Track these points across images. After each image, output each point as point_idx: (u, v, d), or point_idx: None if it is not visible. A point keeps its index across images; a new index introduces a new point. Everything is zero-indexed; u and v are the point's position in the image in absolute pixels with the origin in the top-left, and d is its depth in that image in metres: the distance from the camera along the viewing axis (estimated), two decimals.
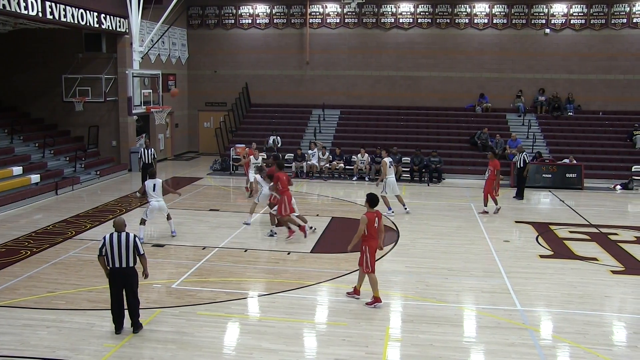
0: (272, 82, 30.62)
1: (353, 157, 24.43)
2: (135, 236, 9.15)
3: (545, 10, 28.64)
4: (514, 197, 20.76)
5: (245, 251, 13.77)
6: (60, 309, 10.11)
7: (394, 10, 29.47)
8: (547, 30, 28.58)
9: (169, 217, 15.01)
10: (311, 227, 15.31)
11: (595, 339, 9.27)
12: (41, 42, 24.55)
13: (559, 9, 28.56)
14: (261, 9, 30.31)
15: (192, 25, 30.90)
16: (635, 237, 15.61)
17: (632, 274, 12.54)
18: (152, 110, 24.76)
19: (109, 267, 9.07)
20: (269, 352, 8.65)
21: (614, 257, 13.72)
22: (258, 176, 16.27)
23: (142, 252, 9.14)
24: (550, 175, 23.16)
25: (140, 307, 9.33)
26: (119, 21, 23.95)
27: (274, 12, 30.25)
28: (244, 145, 25.36)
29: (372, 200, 10.60)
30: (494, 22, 28.96)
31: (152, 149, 20.63)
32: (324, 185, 23.01)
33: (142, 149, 20.46)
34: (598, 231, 16.15)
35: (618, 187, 22.88)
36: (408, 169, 24.21)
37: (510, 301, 10.87)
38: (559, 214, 18.56)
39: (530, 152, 25.00)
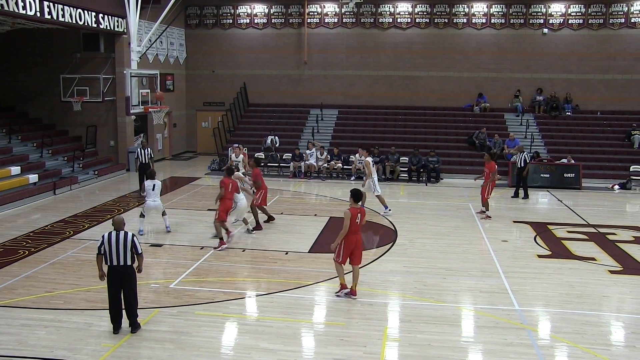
0: (270, 82, 30.61)
1: (351, 157, 24.42)
2: (133, 235, 9.15)
3: (544, 10, 28.66)
4: (512, 196, 20.77)
5: (244, 251, 13.77)
6: (58, 309, 10.10)
7: (392, 10, 29.47)
8: (545, 30, 28.60)
9: (163, 213, 15.19)
10: (251, 230, 15.21)
11: (593, 339, 9.28)
12: (39, 42, 24.52)
13: (557, 8, 28.58)
14: (259, 8, 30.30)
15: (190, 25, 30.88)
16: (634, 237, 15.63)
17: (631, 274, 12.55)
18: (150, 110, 24.73)
19: (107, 265, 9.06)
20: (267, 352, 8.65)
21: (612, 257, 13.73)
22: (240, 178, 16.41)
23: (140, 251, 9.15)
24: (548, 175, 23.18)
25: (138, 306, 9.32)
26: (117, 21, 23.94)
27: (272, 12, 30.24)
28: (241, 145, 25.32)
29: (355, 195, 10.77)
30: (492, 21, 28.98)
31: (149, 149, 20.61)
32: (322, 185, 23.01)
33: (139, 149, 20.44)
34: (596, 231, 16.17)
35: (616, 187, 22.90)
36: (406, 169, 24.22)
37: (508, 301, 10.88)
38: (557, 214, 18.58)
39: (529, 152, 25.00)
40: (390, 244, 14.54)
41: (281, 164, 25.20)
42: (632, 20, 28.07)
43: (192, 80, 31.23)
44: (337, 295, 10.88)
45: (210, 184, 22.55)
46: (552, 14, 28.64)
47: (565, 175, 23.18)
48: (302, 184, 23.16)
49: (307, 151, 24.92)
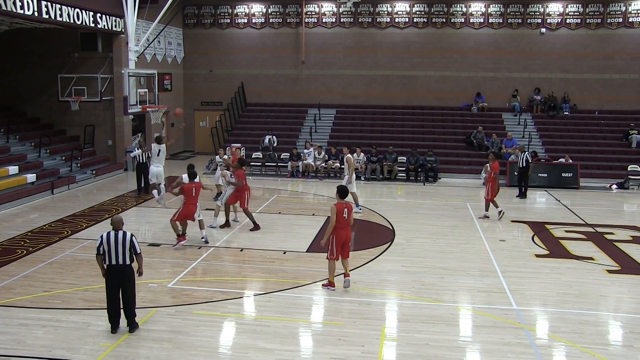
0: (268, 81, 30.60)
1: (348, 155, 24.36)
2: (132, 235, 9.14)
3: (541, 10, 28.68)
4: (517, 196, 20.74)
5: (241, 250, 13.77)
6: (56, 309, 10.09)
7: (389, 9, 29.48)
8: (543, 30, 28.63)
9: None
10: (202, 238, 14.25)
11: (591, 339, 9.30)
12: (37, 42, 24.49)
13: (554, 8, 28.60)
14: (257, 8, 30.28)
15: (188, 25, 30.85)
16: (631, 236, 15.65)
17: (628, 274, 12.58)
18: (147, 109, 24.69)
19: (105, 265, 9.06)
20: (264, 352, 8.65)
21: (610, 256, 13.75)
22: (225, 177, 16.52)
23: (138, 251, 9.15)
24: (546, 175, 23.19)
25: (136, 306, 9.31)
26: (115, 20, 23.91)
27: (269, 11, 30.22)
28: (239, 145, 25.33)
29: (341, 192, 11.19)
30: (490, 21, 29.00)
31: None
32: (319, 184, 23.01)
33: (136, 149, 20.43)
34: (594, 230, 16.19)
35: (614, 186, 22.93)
36: (404, 169, 24.23)
37: (506, 300, 10.89)
38: (554, 214, 18.60)
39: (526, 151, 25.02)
40: (388, 244, 14.55)
41: (279, 164, 25.20)
42: (629, 20, 28.10)
43: (190, 80, 31.21)
44: (323, 286, 11.23)
45: (207, 184, 22.51)
46: (550, 13, 28.67)
47: (563, 174, 23.20)
48: (300, 183, 23.16)
49: (305, 151, 24.92)
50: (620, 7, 28.10)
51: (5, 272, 11.98)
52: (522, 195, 20.82)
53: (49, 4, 19.81)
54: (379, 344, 8.97)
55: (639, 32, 28.09)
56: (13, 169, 19.82)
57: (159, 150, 16.63)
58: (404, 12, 29.44)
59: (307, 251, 13.84)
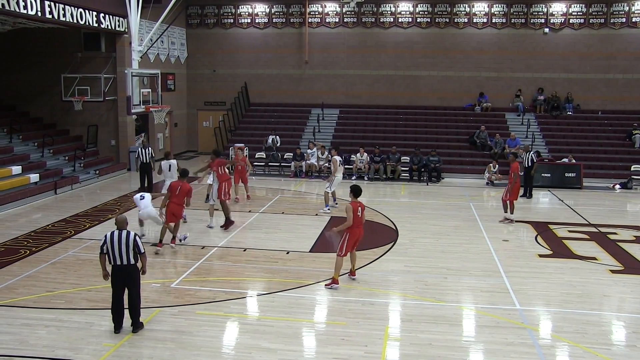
0: (271, 81, 30.61)
1: (352, 156, 24.42)
2: (135, 234, 9.16)
3: (545, 10, 28.64)
4: (521, 195, 20.68)
5: (245, 250, 13.77)
6: (59, 309, 10.10)
7: (393, 9, 29.46)
8: (546, 30, 28.58)
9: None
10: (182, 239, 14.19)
11: (594, 339, 9.28)
12: (40, 42, 24.53)
13: (558, 8, 28.55)
14: (260, 8, 30.29)
15: (191, 25, 30.88)
16: (635, 236, 15.62)
17: (631, 274, 12.55)
18: (151, 109, 24.76)
19: (110, 265, 9.07)
20: (267, 352, 8.65)
21: (613, 256, 13.72)
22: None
23: (142, 251, 9.16)
24: (549, 175, 23.15)
25: (141, 306, 9.32)
26: (118, 20, 23.93)
27: (273, 11, 30.23)
28: (243, 145, 25.35)
29: (355, 190, 11.53)
30: (493, 21, 28.96)
31: (150, 148, 20.62)
32: (323, 184, 22.95)
33: (140, 148, 20.45)
34: (597, 230, 16.16)
35: (617, 186, 22.89)
36: (407, 169, 24.22)
37: (509, 300, 10.88)
38: (558, 214, 18.57)
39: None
40: (391, 244, 14.53)
41: (282, 164, 25.21)
42: (633, 20, 28.03)
43: (193, 80, 31.24)
44: (326, 286, 11.27)
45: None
46: (553, 13, 28.62)
47: (566, 174, 23.16)
48: (303, 183, 23.16)
49: (308, 151, 24.92)
50: (623, 7, 28.03)
51: (9, 272, 12.00)
52: (529, 195, 20.76)
53: (52, 3, 19.84)
54: (382, 344, 8.96)
55: None
56: (16, 169, 19.86)
57: (169, 165, 16.64)
58: (407, 12, 29.42)
59: (310, 251, 13.83)
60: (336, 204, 18.53)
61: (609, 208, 19.63)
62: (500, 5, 28.82)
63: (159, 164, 17.78)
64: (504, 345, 9.00)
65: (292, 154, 25.17)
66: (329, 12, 29.89)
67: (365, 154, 24.08)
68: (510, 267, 12.74)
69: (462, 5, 29.00)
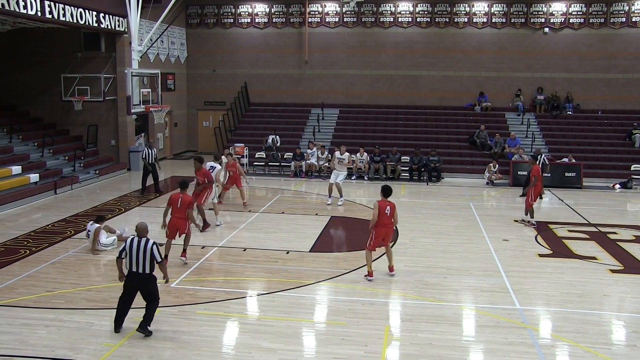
0: (271, 81, 30.61)
1: (352, 156, 24.38)
2: (154, 243, 9.06)
3: (545, 9, 28.63)
4: (520, 196, 20.68)
5: (244, 250, 13.77)
6: (59, 308, 10.10)
7: (392, 9, 29.45)
8: (546, 29, 28.56)
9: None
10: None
11: (594, 338, 9.28)
12: (40, 42, 24.52)
13: (558, 7, 28.54)
14: (260, 8, 30.29)
15: (191, 25, 30.88)
16: (635, 236, 15.62)
17: (631, 273, 12.55)
18: (151, 109, 24.75)
19: (127, 270, 9.07)
20: (268, 352, 8.65)
21: (613, 256, 13.72)
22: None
23: (159, 260, 9.07)
24: (549, 174, 23.13)
25: (154, 313, 9.20)
26: (118, 20, 23.93)
27: (272, 11, 30.23)
28: (242, 145, 25.37)
29: (384, 190, 11.89)
30: (493, 21, 28.95)
31: (155, 149, 20.69)
32: (323, 184, 22.97)
33: (146, 149, 20.49)
34: (597, 230, 16.16)
35: (617, 186, 22.88)
36: (407, 168, 24.22)
37: (509, 300, 10.88)
38: (558, 213, 18.56)
39: (530, 151, 25.01)
40: (392, 243, 14.51)
41: (282, 164, 25.21)
42: (633, 20, 28.01)
43: (193, 80, 31.24)
44: (365, 277, 11.78)
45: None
46: (553, 13, 28.60)
47: (566, 174, 23.17)
48: (303, 183, 23.16)
49: (308, 150, 24.92)
50: (623, 6, 28.02)
51: (9, 272, 12.00)
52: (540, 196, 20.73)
53: (52, 3, 19.83)
54: (382, 344, 8.96)
55: None
56: (16, 169, 19.86)
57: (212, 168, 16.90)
58: (407, 12, 29.41)
59: (310, 251, 13.83)
60: (341, 202, 18.70)
61: (609, 208, 19.63)
62: (500, 5, 28.81)
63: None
64: (504, 344, 9.00)
65: (292, 154, 25.17)
66: (329, 12, 29.88)
67: (365, 154, 24.08)
68: (510, 267, 12.74)
69: (462, 5, 28.99)
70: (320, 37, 29.96)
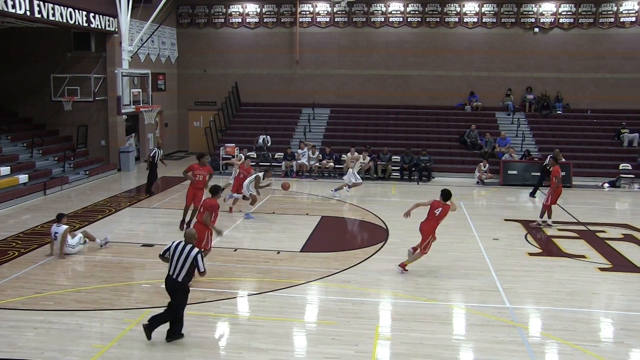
0: (262, 81, 30.58)
1: (343, 156, 24.42)
2: (199, 252, 8.96)
3: (535, 9, 28.75)
4: (530, 196, 20.93)
5: (235, 250, 13.75)
6: (48, 310, 10.05)
7: (384, 9, 29.50)
8: (536, 29, 28.68)
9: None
10: None
11: (583, 336, 9.34)
12: (29, 41, 24.38)
13: (547, 7, 28.67)
14: (251, 8, 30.26)
15: (182, 24, 30.80)
16: (623, 234, 15.72)
17: (620, 271, 12.64)
18: (141, 109, 24.66)
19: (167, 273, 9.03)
20: (258, 352, 8.64)
21: (601, 254, 13.80)
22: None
23: (202, 270, 8.97)
24: (539, 174, 23.22)
25: (182, 324, 9.03)
26: (108, 20, 23.84)
27: (264, 11, 30.20)
28: (233, 145, 25.33)
29: (442, 193, 12.32)
30: (484, 20, 29.05)
31: (162, 149, 21.00)
32: (313, 184, 23.01)
33: (156, 149, 20.59)
34: (586, 229, 16.25)
35: (606, 185, 23.02)
36: (398, 168, 24.27)
37: (499, 299, 10.92)
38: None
39: (519, 150, 25.15)
40: (382, 243, 14.56)
41: (273, 164, 25.18)
42: (621, 20, 28.20)
43: (184, 80, 31.17)
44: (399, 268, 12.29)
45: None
46: (543, 13, 28.74)
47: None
48: (294, 183, 23.13)
49: (299, 150, 24.92)
50: (611, 7, 28.19)
51: None
52: (532, 194, 20.91)
53: (41, 3, 19.73)
54: (373, 343, 8.98)
55: (630, 32, 28.20)
56: (5, 170, 19.72)
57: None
58: (398, 12, 29.47)
59: (301, 251, 13.83)
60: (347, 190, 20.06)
61: (598, 206, 19.75)
62: (490, 5, 28.91)
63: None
64: (494, 343, 9.04)
65: (282, 154, 25.16)
66: (320, 12, 29.89)
67: (357, 154, 24.06)
68: (500, 266, 12.80)
69: (452, 5, 29.07)
70: (311, 37, 29.97)
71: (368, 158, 23.72)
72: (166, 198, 19.76)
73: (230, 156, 23.75)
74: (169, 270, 8.92)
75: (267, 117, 29.22)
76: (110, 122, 25.04)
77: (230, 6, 30.41)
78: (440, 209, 12.01)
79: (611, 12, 28.26)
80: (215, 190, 12.09)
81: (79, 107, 24.36)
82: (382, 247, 14.26)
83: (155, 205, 18.75)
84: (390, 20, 29.54)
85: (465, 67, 29.23)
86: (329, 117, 29.21)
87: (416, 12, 29.37)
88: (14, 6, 18.52)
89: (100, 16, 23.24)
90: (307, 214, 17.58)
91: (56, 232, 13.10)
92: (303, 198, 20.58)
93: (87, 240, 13.60)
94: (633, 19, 28.12)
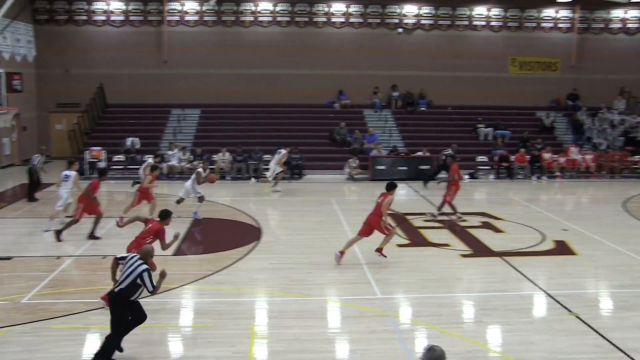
0: (129, 81, 29.41)
1: (213, 156, 24.17)
2: (145, 270, 8.37)
3: (398, 11, 30.01)
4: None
5: (104, 258, 13.16)
6: None
7: (253, 8, 29.49)
8: (400, 30, 29.93)
9: None
10: None
11: (448, 319, 9.91)
12: None
13: (410, 9, 30.04)
14: (116, 5, 29.08)
15: (39, 21, 28.95)
16: (481, 222, 16.86)
17: (479, 257, 13.57)
18: None
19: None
20: None
21: (463, 241, 14.72)
22: None
23: (150, 289, 8.39)
24: (406, 168, 24.34)
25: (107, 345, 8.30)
26: None
27: (129, 8, 29.14)
28: (99, 148, 24.25)
29: (388, 185, 13.27)
30: (351, 21, 29.90)
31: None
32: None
33: (40, 155, 19.73)
34: (449, 218, 17.22)
35: (466, 176, 24.47)
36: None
37: (371, 290, 11.31)
38: (414, 205, 19.59)
39: (387, 146, 26.17)
40: (255, 242, 14.58)
41: (142, 166, 24.33)
42: (474, 23, 30.25)
43: (44, 80, 29.31)
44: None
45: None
46: (406, 14, 30.08)
47: (421, 167, 24.46)
48: (165, 185, 22.48)
49: (169, 152, 24.32)
50: (465, 11, 30.14)
51: None
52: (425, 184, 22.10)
53: None
54: (250, 343, 8.98)
55: (482, 34, 30.29)
56: None
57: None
58: (268, 11, 29.59)
59: (174, 255, 13.51)
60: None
61: (459, 197, 20.87)
62: (357, 6, 29.79)
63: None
64: (368, 333, 9.34)
65: (152, 156, 24.38)
66: (189, 11, 29.33)
67: (228, 154, 23.95)
68: (371, 259, 13.21)
69: (320, 5, 29.64)
70: (180, 36, 29.30)
71: (228, 154, 23.65)
72: (26, 207, 18.55)
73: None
74: (115, 283, 8.58)
75: (135, 118, 28.26)
76: None
77: (93, 3, 29.03)
78: (382, 197, 12.96)
79: (465, 16, 30.19)
80: (165, 215, 10.97)
81: None
82: (255, 246, 14.27)
83: (16, 214, 17.57)
84: (259, 19, 29.60)
85: (333, 66, 29.88)
86: (200, 117, 28.75)
87: (285, 12, 29.65)
88: None
89: None
90: (178, 217, 17.17)
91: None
92: (174, 201, 20.05)
93: None
94: (484, 23, 30.23)
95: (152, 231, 10.67)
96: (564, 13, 30.88)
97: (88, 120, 27.70)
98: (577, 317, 9.97)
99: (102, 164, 23.65)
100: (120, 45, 29.26)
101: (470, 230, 15.93)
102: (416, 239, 15.12)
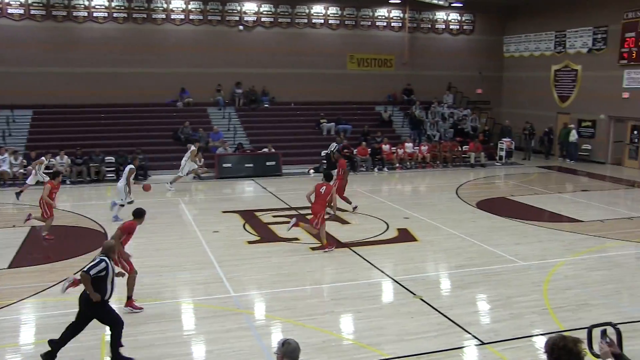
0: None
1: (51, 160, 22.68)
2: (102, 260, 8.52)
3: (238, 8, 30.06)
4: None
5: None
6: None
7: (86, 3, 27.91)
8: (241, 27, 30.03)
9: None
10: None
11: (301, 312, 10.23)
12: None
13: (250, 7, 30.22)
14: None
15: None
16: (328, 214, 17.44)
17: (326, 249, 14.09)
18: None
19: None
20: None
21: (312, 235, 15.19)
22: None
23: (85, 270, 8.48)
24: (252, 165, 24.56)
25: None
26: None
27: None
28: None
29: (325, 175, 15.06)
30: (191, 18, 29.43)
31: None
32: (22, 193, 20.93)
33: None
34: (297, 213, 17.68)
35: (311, 171, 25.29)
36: (112, 169, 23.45)
37: (223, 289, 11.36)
38: (262, 201, 19.87)
39: (232, 144, 26.22)
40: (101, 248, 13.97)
41: None
42: (312, 21, 31.21)
43: None
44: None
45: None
46: (246, 12, 30.21)
47: (267, 163, 24.85)
48: None
49: None
50: (305, 9, 30.94)
51: None
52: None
53: None
54: (100, 354, 8.67)
55: (321, 32, 31.35)
56: None
57: None
58: (103, 7, 28.19)
59: (8, 267, 12.59)
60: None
61: (306, 191, 21.57)
62: (196, 3, 29.36)
63: None
64: (223, 332, 9.40)
65: None
66: (12, 3, 27.05)
67: (66, 157, 22.63)
68: (222, 257, 13.28)
69: (159, 2, 28.81)
70: (4, 31, 26.90)
71: (66, 157, 22.52)
72: None
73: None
74: None
75: None
76: None
77: None
78: (325, 187, 14.06)
79: (304, 13, 31.02)
80: (139, 214, 10.89)
81: None
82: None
83: None
84: (94, 15, 28.11)
85: (174, 63, 29.26)
86: (32, 118, 26.75)
87: (122, 8, 28.45)
88: None
89: None
90: (13, 226, 16.01)
91: None
92: (7, 209, 18.64)
93: None
94: (322, 21, 31.26)
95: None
96: (395, 13, 32.79)
97: None
98: (421, 299, 10.79)
99: None
100: None
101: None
102: (266, 235, 15.37)
